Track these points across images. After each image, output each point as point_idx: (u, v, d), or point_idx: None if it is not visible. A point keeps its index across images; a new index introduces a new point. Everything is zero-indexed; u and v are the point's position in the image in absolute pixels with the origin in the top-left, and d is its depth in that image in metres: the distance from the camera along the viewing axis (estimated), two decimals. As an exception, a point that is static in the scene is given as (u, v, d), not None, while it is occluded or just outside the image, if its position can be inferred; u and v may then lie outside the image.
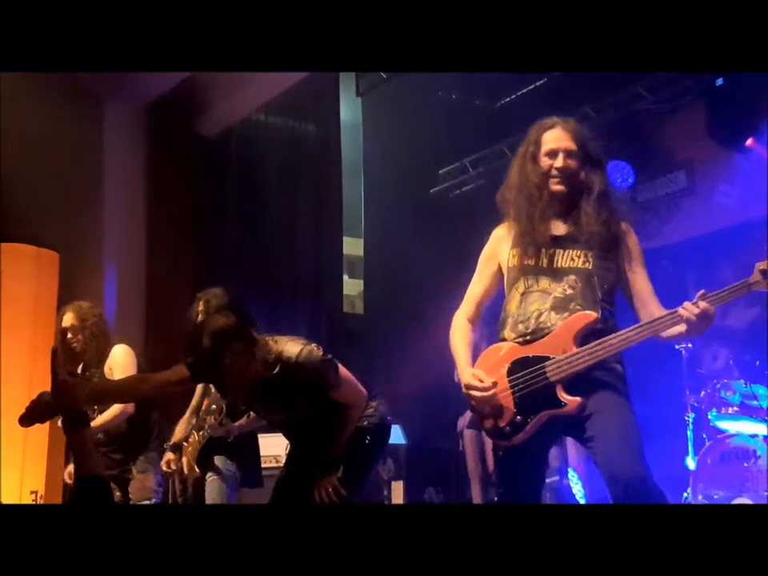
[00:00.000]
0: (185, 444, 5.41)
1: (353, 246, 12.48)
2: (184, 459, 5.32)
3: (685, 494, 6.71)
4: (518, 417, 3.48)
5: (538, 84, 10.10)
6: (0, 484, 6.37)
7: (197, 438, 5.27)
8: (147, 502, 5.34)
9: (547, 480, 5.12)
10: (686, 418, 7.06)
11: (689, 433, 7.02)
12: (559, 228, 3.64)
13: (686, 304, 3.32)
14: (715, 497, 6.57)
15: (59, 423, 3.75)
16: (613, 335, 3.42)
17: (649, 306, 3.56)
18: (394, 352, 10.63)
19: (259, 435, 6.08)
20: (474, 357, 3.69)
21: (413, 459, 9.28)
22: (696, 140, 9.12)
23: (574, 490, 7.65)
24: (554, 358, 3.44)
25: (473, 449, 7.95)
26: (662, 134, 9.60)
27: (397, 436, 8.89)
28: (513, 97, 10.69)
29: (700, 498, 6.62)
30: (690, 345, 7.20)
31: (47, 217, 7.91)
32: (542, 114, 3.82)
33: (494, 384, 3.49)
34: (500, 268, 3.75)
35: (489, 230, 3.85)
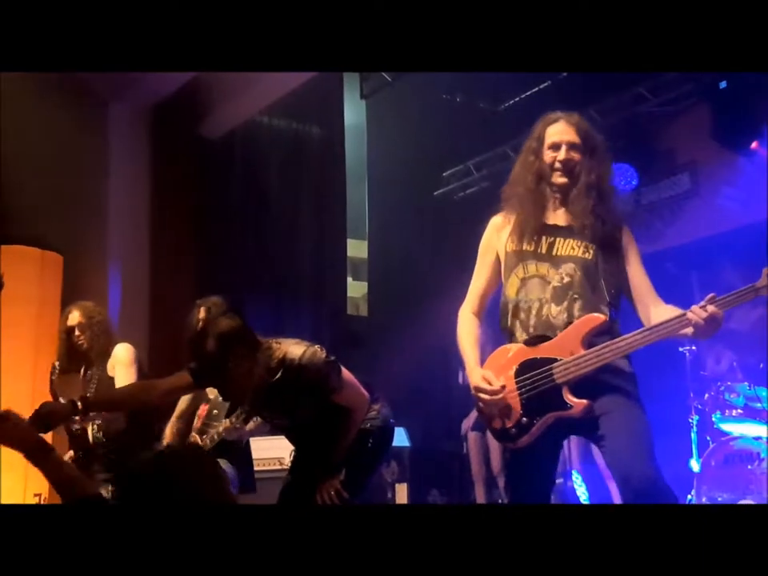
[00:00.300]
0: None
1: (357, 248, 12.49)
2: None
3: (689, 497, 6.70)
4: (524, 418, 3.48)
5: (541, 87, 10.11)
6: (5, 487, 6.37)
7: (200, 443, 5.26)
8: None
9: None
10: (690, 421, 7.05)
11: (693, 435, 7.01)
12: (560, 218, 3.66)
13: (694, 308, 3.31)
14: (719, 499, 6.56)
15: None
16: (620, 338, 3.42)
17: (647, 301, 3.57)
18: (398, 354, 10.63)
19: (262, 438, 6.09)
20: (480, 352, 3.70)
21: (417, 461, 9.26)
22: (699, 142, 9.12)
23: (578, 492, 7.65)
24: (561, 359, 3.44)
25: (477, 451, 7.97)
26: (665, 136, 9.60)
27: (401, 438, 8.88)
28: (516, 99, 10.69)
29: (704, 500, 6.61)
30: (693, 347, 7.20)
31: (51, 219, 7.91)
32: (545, 116, 3.82)
33: (503, 388, 3.49)
34: (498, 256, 3.76)
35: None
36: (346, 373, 4.21)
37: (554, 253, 3.59)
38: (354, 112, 11.49)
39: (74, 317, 5.62)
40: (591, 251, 3.55)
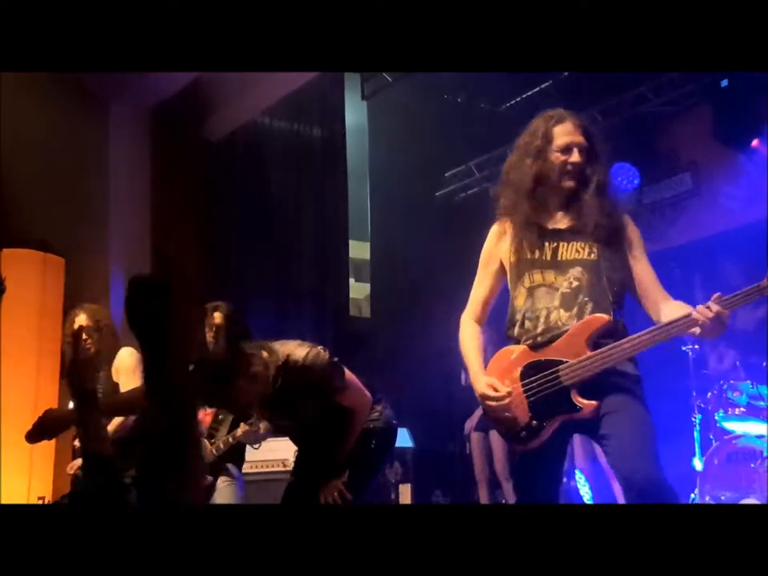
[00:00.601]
0: None
1: (359, 250, 12.48)
2: None
3: (692, 495, 6.71)
4: (534, 422, 3.45)
5: (542, 87, 10.12)
6: (8, 489, 6.37)
7: (208, 447, 5.26)
8: None
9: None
10: (693, 419, 7.05)
11: (696, 434, 7.01)
12: (561, 221, 3.60)
13: (699, 307, 3.28)
14: (722, 498, 6.57)
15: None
16: (626, 339, 3.39)
17: (655, 297, 3.52)
18: (401, 355, 10.63)
19: (265, 440, 6.09)
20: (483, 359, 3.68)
21: (420, 462, 9.26)
22: (701, 142, 9.13)
23: (581, 492, 7.65)
24: (566, 361, 3.42)
25: (480, 452, 7.96)
26: (667, 136, 9.61)
27: (404, 439, 8.89)
28: (518, 99, 10.70)
29: (707, 498, 6.61)
30: (696, 346, 7.20)
31: (52, 222, 7.91)
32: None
33: (509, 394, 3.47)
34: (502, 265, 3.71)
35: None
36: (348, 374, 4.21)
37: (558, 258, 3.54)
38: (355, 113, 11.49)
39: (81, 319, 5.61)
40: (596, 251, 3.51)
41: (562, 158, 3.56)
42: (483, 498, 7.98)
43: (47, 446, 7.06)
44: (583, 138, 3.58)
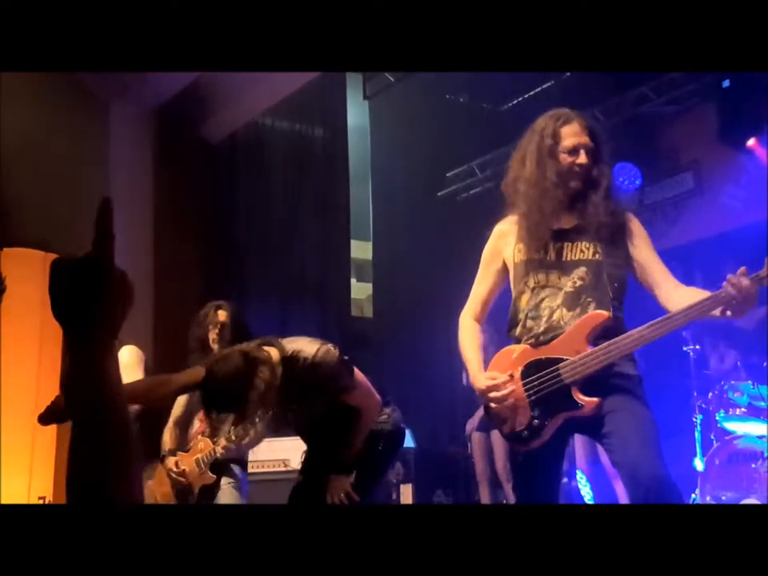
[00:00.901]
0: (181, 453, 5.39)
1: (361, 250, 12.49)
2: (186, 467, 5.30)
3: (693, 495, 6.70)
4: (536, 420, 3.45)
5: (544, 86, 10.13)
6: (8, 489, 6.37)
7: (210, 446, 5.25)
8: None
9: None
10: (694, 420, 7.05)
11: (696, 434, 7.01)
12: (566, 221, 3.60)
13: (730, 277, 3.20)
14: (723, 498, 6.57)
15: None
16: (626, 334, 3.38)
17: (667, 285, 3.50)
18: (403, 355, 10.63)
19: (267, 440, 6.08)
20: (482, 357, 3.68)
21: (421, 462, 9.27)
22: (703, 141, 9.14)
23: (582, 492, 7.65)
24: (567, 359, 3.42)
25: (481, 452, 7.96)
26: (668, 135, 9.61)
27: (405, 439, 8.89)
28: (520, 99, 10.71)
29: (708, 499, 6.61)
30: (697, 346, 7.20)
31: (53, 221, 7.91)
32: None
33: (511, 376, 3.47)
34: (505, 265, 3.71)
35: (494, 232, 3.82)
36: (358, 373, 4.22)
37: (563, 258, 3.54)
38: (357, 113, 11.50)
39: None
40: (600, 251, 3.51)
41: (570, 159, 3.56)
42: (484, 498, 7.98)
43: (48, 446, 7.07)
44: (589, 139, 3.58)
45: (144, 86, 8.47)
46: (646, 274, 3.56)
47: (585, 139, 3.58)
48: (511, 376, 3.48)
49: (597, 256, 3.51)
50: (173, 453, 5.41)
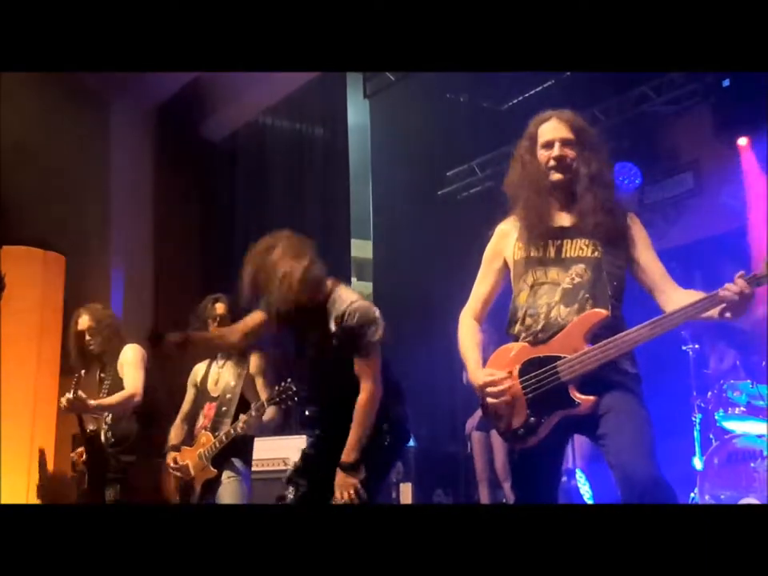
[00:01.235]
0: (185, 448, 5.41)
1: (361, 249, 12.49)
2: (189, 461, 5.32)
3: (692, 495, 6.71)
4: (532, 418, 3.45)
5: (545, 86, 10.12)
6: (8, 489, 6.39)
7: (211, 440, 5.26)
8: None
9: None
10: (693, 419, 7.05)
11: (696, 433, 7.01)
12: (565, 219, 3.61)
13: (728, 285, 3.25)
14: (722, 497, 6.57)
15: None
16: (624, 333, 3.38)
17: (665, 288, 3.51)
18: (403, 354, 10.62)
19: (267, 438, 6.09)
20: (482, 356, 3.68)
21: (421, 461, 9.27)
22: (703, 141, 9.12)
23: (582, 491, 7.65)
24: (565, 357, 3.42)
25: (481, 451, 7.96)
26: (668, 135, 9.61)
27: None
28: (520, 99, 10.70)
29: (707, 498, 6.61)
30: (696, 346, 7.21)
31: (53, 220, 7.92)
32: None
33: (510, 373, 3.48)
34: (505, 264, 3.71)
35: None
36: (378, 353, 4.41)
37: (562, 255, 3.55)
38: (357, 112, 11.50)
39: (84, 321, 5.65)
40: (600, 248, 3.52)
41: (546, 153, 3.61)
42: (484, 497, 7.98)
43: (46, 444, 7.07)
44: (569, 132, 3.60)
45: (144, 85, 8.48)
46: (645, 275, 3.58)
47: (561, 133, 3.60)
48: (509, 373, 3.49)
49: (596, 254, 3.51)
50: (176, 448, 5.44)
